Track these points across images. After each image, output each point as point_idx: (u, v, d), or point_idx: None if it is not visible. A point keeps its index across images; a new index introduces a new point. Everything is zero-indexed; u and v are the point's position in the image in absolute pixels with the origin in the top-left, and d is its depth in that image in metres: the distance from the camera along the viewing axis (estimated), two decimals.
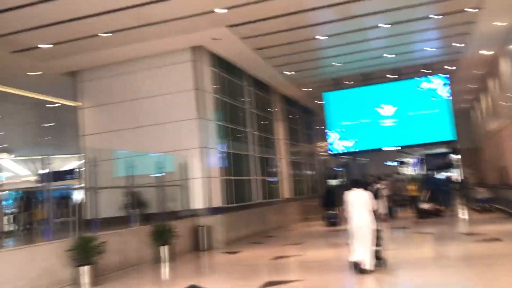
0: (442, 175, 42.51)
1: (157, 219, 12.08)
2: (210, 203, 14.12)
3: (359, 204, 7.82)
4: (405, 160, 56.41)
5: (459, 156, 42.00)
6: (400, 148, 20.79)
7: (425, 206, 17.07)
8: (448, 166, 47.41)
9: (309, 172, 26.59)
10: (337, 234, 15.02)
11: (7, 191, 16.41)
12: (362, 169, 57.84)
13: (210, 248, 13.25)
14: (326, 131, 20.90)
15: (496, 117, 20.80)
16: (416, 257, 9.27)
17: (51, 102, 18.90)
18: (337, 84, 20.73)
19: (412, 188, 18.71)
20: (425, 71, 19.72)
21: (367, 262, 7.59)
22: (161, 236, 11.31)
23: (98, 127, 15.51)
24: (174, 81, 14.66)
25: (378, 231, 7.94)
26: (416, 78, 19.81)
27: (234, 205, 15.76)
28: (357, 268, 7.63)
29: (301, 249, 12.16)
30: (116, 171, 13.64)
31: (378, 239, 7.92)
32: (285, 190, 21.44)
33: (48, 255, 8.34)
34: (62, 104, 18.88)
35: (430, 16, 13.85)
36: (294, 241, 14.48)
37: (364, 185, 8.35)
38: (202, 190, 14.09)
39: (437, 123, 19.25)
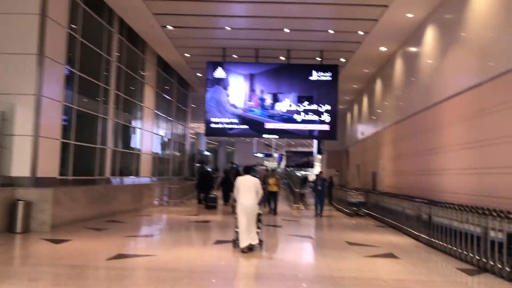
0: (301, 173, 43.38)
1: None
2: (38, 171, 10.48)
3: (248, 189, 8.43)
4: (271, 153, 57.05)
5: (320, 157, 43.17)
6: (277, 137, 18.93)
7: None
8: (309, 165, 48.78)
9: (176, 153, 23.64)
10: (204, 226, 12.46)
11: None
12: (229, 157, 56.84)
13: (29, 230, 9.68)
14: (207, 106, 18.07)
15: (374, 122, 20.36)
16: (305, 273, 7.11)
17: None
18: (225, 55, 18.11)
19: (272, 182, 16.50)
20: (318, 58, 18.20)
21: (248, 241, 8.08)
22: None
23: None
24: None
25: (259, 214, 8.64)
26: (308, 64, 18.14)
27: (74, 177, 12.23)
28: (245, 251, 8.06)
29: (154, 245, 9.33)
30: None
31: (258, 222, 8.60)
32: (145, 168, 18.24)
33: None
34: None
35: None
36: (146, 231, 11.58)
37: (253, 172, 9.61)
38: (31, 152, 10.37)
39: (320, 119, 17.82)
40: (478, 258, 7.39)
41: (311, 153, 49.42)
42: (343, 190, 18.70)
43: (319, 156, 43.49)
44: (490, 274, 6.88)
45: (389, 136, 17.58)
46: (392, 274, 6.75)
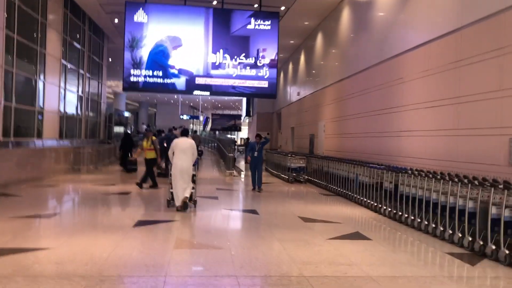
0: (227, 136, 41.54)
1: None
2: None
3: (184, 151, 8.51)
4: (198, 116, 54.47)
5: (248, 120, 41.42)
6: (209, 94, 16.73)
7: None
8: (236, 128, 47.09)
9: (90, 112, 20.56)
10: (123, 199, 10.17)
11: None
12: (151, 119, 53.50)
13: None
14: (125, 56, 15.31)
15: (314, 81, 18.78)
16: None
17: None
18: None
19: (147, 146, 11.93)
20: (255, 6, 16.02)
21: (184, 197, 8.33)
22: None
23: None
24: None
25: (193, 175, 8.73)
26: (245, 11, 15.91)
27: None
28: (180, 209, 8.27)
29: (51, 230, 6.97)
30: None
31: (193, 183, 8.68)
32: (50, 128, 15.26)
33: None
34: None
35: None
36: (45, 208, 9.11)
37: (188, 134, 9.20)
38: None
39: (259, 75, 15.84)
40: (470, 239, 5.98)
41: (239, 116, 47.60)
42: (281, 155, 17.06)
43: (247, 119, 41.78)
44: (491, 260, 5.46)
45: (332, 95, 16.07)
46: (377, 268, 5.08)
